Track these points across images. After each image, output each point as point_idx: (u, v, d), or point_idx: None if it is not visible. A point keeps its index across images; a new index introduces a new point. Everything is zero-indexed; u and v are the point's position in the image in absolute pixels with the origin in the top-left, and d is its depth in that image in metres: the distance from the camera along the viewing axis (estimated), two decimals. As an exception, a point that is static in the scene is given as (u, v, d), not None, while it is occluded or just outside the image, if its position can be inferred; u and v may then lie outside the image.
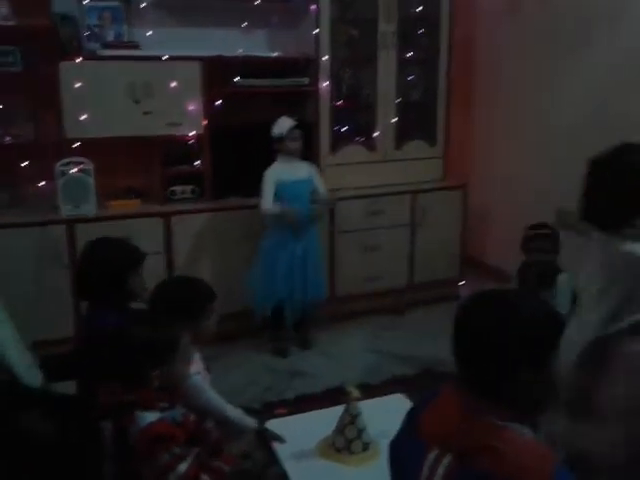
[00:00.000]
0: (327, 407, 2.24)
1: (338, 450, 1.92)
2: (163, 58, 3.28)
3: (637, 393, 1.64)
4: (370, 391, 2.69)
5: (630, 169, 1.72)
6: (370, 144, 3.84)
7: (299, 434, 2.06)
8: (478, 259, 4.43)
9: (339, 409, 2.01)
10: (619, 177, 1.73)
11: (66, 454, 1.12)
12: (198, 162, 3.48)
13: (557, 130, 3.76)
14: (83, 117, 3.16)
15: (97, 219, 3.20)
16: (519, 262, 2.94)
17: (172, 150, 3.46)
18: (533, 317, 1.23)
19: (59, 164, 3.17)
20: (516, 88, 4.05)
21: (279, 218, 3.18)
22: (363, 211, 3.70)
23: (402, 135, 3.91)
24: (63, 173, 3.18)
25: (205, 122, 3.39)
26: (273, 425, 2.09)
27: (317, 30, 3.53)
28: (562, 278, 2.75)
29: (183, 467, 1.52)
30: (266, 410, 2.67)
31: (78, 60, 3.15)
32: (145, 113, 3.27)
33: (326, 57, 3.59)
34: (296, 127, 3.19)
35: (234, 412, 1.98)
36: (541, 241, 2.81)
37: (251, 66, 3.49)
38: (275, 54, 3.62)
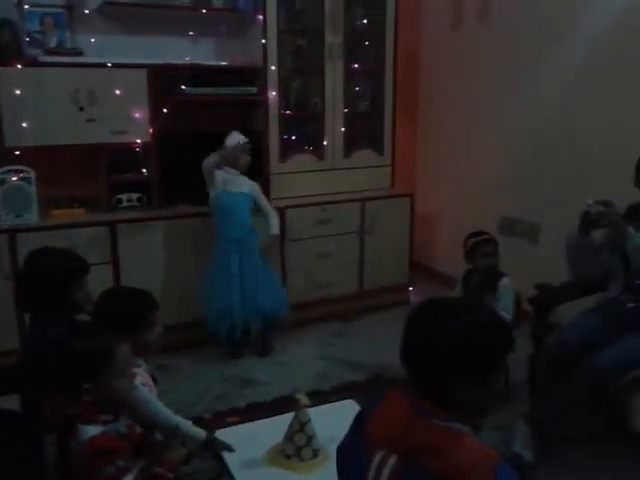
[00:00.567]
0: (278, 415, 2.25)
1: (288, 457, 1.93)
2: (108, 65, 3.23)
3: None
4: (321, 397, 2.72)
5: None
6: (319, 153, 3.88)
7: (249, 443, 2.06)
8: (426, 265, 4.53)
9: (289, 417, 2.02)
10: None
11: (7, 468, 1.10)
12: (145, 170, 3.44)
13: (499, 140, 3.90)
14: (24, 125, 3.08)
15: (39, 228, 3.10)
16: (464, 267, 3.02)
17: (118, 158, 3.41)
18: (479, 326, 1.26)
19: (-2, 172, 3.07)
20: (459, 99, 4.18)
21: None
22: (313, 219, 3.72)
23: (350, 144, 3.97)
24: (3, 182, 3.08)
25: (152, 130, 3.35)
26: (223, 434, 2.08)
27: (264, 40, 3.55)
28: (504, 283, 2.84)
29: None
30: (217, 419, 2.64)
31: (18, 66, 3.07)
32: (89, 120, 3.21)
33: (274, 67, 3.61)
34: (247, 142, 3.23)
35: (182, 423, 1.96)
36: (484, 246, 2.90)
37: (199, 74, 3.48)
38: (223, 63, 3.62)
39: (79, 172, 3.44)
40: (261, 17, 3.53)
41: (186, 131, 3.50)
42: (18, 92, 3.05)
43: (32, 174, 3.15)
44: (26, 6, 3.25)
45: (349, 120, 3.94)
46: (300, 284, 3.70)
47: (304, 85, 3.92)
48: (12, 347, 2.87)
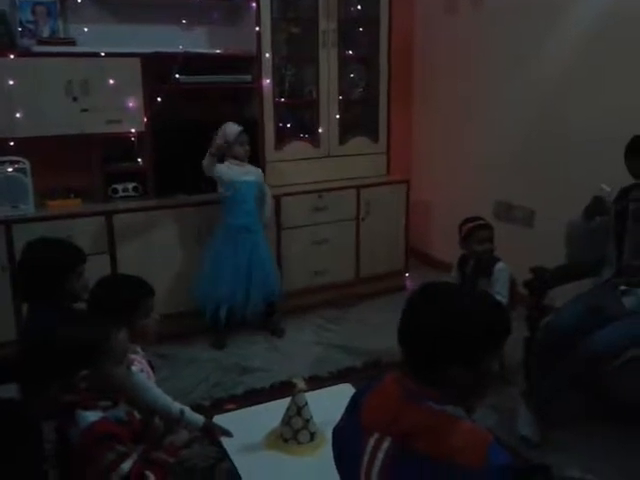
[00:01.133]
0: (275, 400, 2.27)
1: (285, 441, 1.96)
2: (101, 54, 3.22)
3: None
4: (318, 383, 2.74)
5: None
6: (314, 140, 3.88)
7: (247, 428, 2.09)
8: (422, 251, 4.54)
9: (286, 401, 2.05)
10: None
11: (6, 457, 1.11)
12: (140, 159, 3.44)
13: (494, 126, 3.90)
14: (18, 115, 3.08)
15: (36, 219, 3.11)
16: (460, 253, 3.04)
17: (113, 148, 3.41)
18: (474, 310, 1.27)
19: (-7, 163, 3.07)
20: (454, 86, 4.18)
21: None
22: (309, 206, 3.73)
23: (346, 131, 3.97)
24: (-2, 173, 3.09)
25: (146, 119, 3.35)
26: (221, 420, 2.11)
27: (258, 28, 3.54)
28: (499, 267, 2.86)
29: (127, 465, 1.52)
30: (215, 406, 2.67)
31: (11, 57, 3.06)
32: (83, 110, 3.20)
33: (268, 54, 3.60)
34: (243, 132, 3.24)
35: (181, 409, 1.98)
36: (480, 231, 2.92)
37: (192, 63, 3.46)
38: (217, 51, 3.60)
39: (74, 162, 3.44)
40: (254, 5, 3.52)
41: (181, 120, 3.50)
42: (11, 82, 3.05)
43: (27, 165, 3.15)
44: (18, -4, 3.24)
45: (344, 107, 3.94)
46: (296, 271, 3.72)
47: (298, 73, 3.92)
48: (10, 338, 2.90)
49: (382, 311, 3.74)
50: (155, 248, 3.36)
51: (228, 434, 2.00)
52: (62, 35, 3.35)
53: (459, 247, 3.00)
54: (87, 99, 3.20)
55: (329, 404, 1.92)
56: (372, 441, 1.29)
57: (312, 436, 1.96)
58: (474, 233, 2.91)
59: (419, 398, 1.26)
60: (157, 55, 3.34)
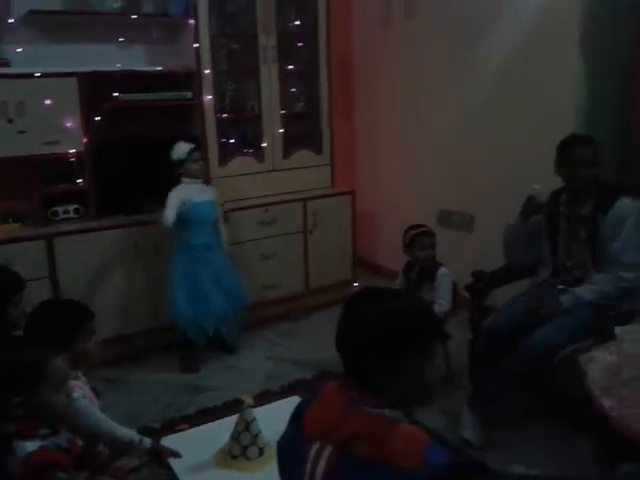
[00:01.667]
0: (226, 417, 2.26)
1: (234, 458, 1.95)
2: (36, 75, 3.16)
3: None
4: (270, 398, 2.74)
5: None
6: (259, 155, 3.90)
7: (197, 447, 2.08)
8: (369, 261, 4.61)
9: (235, 418, 2.04)
10: None
11: None
12: (80, 180, 3.38)
13: (432, 136, 4.00)
14: (-51, 139, 2.99)
15: (-28, 246, 3.02)
16: (405, 260, 3.11)
17: (52, 169, 3.33)
18: (397, 313, 1.30)
19: None
20: (393, 96, 4.27)
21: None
22: (255, 221, 3.74)
23: (289, 145, 4.00)
24: None
25: (85, 139, 3.30)
26: (170, 441, 2.09)
27: (197, 44, 3.55)
28: (441, 272, 2.94)
29: (70, 493, 1.49)
30: (167, 427, 2.63)
31: (-59, 79, 2.97)
32: (20, 132, 3.13)
33: (208, 70, 3.61)
34: (196, 149, 3.23)
35: (126, 433, 1.95)
36: (422, 238, 2.99)
37: (132, 81, 3.43)
38: (156, 68, 3.59)
39: (12, 186, 3.35)
40: (193, 21, 3.52)
41: (122, 139, 3.46)
42: (-59, 106, 2.96)
43: (-39, 190, 3.06)
44: (-55, 17, 3.15)
45: (287, 121, 3.97)
46: (246, 286, 3.70)
47: (240, 88, 3.94)
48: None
49: (332, 321, 3.67)
50: (98, 270, 3.30)
51: (177, 455, 1.98)
52: (-5, 56, 3.28)
53: (404, 255, 3.06)
54: (23, 120, 3.13)
55: (279, 418, 1.92)
56: (314, 450, 1.30)
57: (261, 451, 1.96)
58: (416, 240, 2.98)
59: (358, 404, 1.29)
60: (94, 74, 3.30)
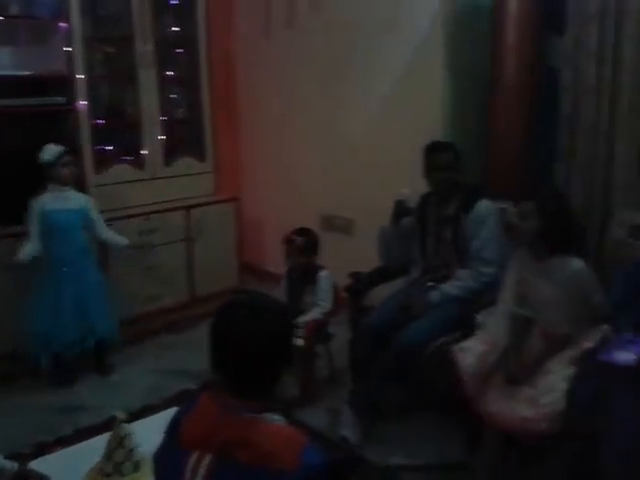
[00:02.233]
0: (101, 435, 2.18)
1: (107, 476, 1.89)
2: None
3: None
4: (152, 411, 2.67)
5: None
6: (138, 162, 3.81)
7: (68, 468, 1.98)
8: (256, 266, 4.62)
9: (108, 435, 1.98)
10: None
11: None
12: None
13: (312, 144, 4.09)
14: None
15: None
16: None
17: None
18: (270, 320, 1.34)
19: None
20: (274, 105, 4.32)
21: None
22: (136, 230, 3.64)
23: (171, 152, 3.94)
24: None
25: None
26: (40, 464, 1.98)
27: (69, 48, 3.40)
28: (321, 275, 3.03)
29: None
30: (39, 450, 2.49)
31: None
32: None
33: (82, 75, 3.47)
34: (66, 153, 3.07)
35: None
36: (290, 244, 3.05)
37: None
38: (25, 72, 3.39)
39: None
40: (63, 24, 3.38)
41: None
42: None
43: None
44: None
45: (168, 128, 3.92)
46: (128, 298, 3.59)
47: (117, 94, 3.84)
48: None
49: (219, 330, 3.72)
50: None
51: (45, 478, 1.88)
52: None
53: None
54: None
55: (158, 431, 1.90)
56: (192, 460, 1.29)
57: (136, 466, 1.91)
58: (290, 244, 3.05)
59: (235, 410, 1.30)
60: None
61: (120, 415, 1.92)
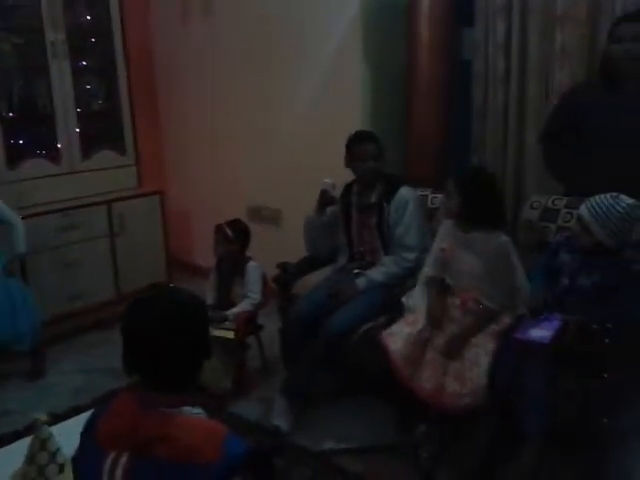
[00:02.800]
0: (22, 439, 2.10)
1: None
2: None
3: None
4: (80, 412, 2.58)
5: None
6: (54, 156, 3.65)
7: (-12, 477, 1.90)
8: (185, 260, 4.55)
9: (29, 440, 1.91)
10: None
11: None
12: None
13: (236, 135, 4.06)
14: None
15: None
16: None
17: None
18: (183, 312, 1.34)
19: None
20: (196, 95, 4.24)
21: None
22: (55, 227, 3.51)
23: (89, 145, 3.80)
24: None
25: None
26: (-45, 475, 1.89)
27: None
28: (250, 266, 3.03)
29: None
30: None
31: None
32: None
33: (-12, 67, 3.30)
34: None
35: None
36: (218, 234, 3.04)
37: None
38: None
39: None
40: (-35, 13, 3.19)
41: None
42: None
43: None
44: None
45: (84, 120, 3.77)
46: (50, 298, 3.45)
47: (29, 85, 3.66)
48: None
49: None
50: None
51: (-38, 488, 1.80)
52: None
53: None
54: None
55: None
56: (109, 460, 1.27)
57: (61, 468, 1.86)
58: (218, 234, 3.04)
59: (153, 406, 1.28)
60: None
61: (41, 417, 1.86)
